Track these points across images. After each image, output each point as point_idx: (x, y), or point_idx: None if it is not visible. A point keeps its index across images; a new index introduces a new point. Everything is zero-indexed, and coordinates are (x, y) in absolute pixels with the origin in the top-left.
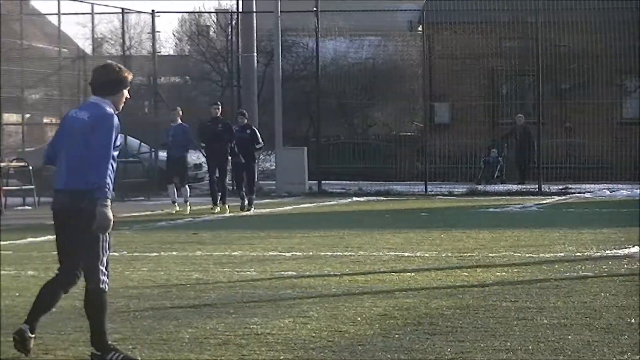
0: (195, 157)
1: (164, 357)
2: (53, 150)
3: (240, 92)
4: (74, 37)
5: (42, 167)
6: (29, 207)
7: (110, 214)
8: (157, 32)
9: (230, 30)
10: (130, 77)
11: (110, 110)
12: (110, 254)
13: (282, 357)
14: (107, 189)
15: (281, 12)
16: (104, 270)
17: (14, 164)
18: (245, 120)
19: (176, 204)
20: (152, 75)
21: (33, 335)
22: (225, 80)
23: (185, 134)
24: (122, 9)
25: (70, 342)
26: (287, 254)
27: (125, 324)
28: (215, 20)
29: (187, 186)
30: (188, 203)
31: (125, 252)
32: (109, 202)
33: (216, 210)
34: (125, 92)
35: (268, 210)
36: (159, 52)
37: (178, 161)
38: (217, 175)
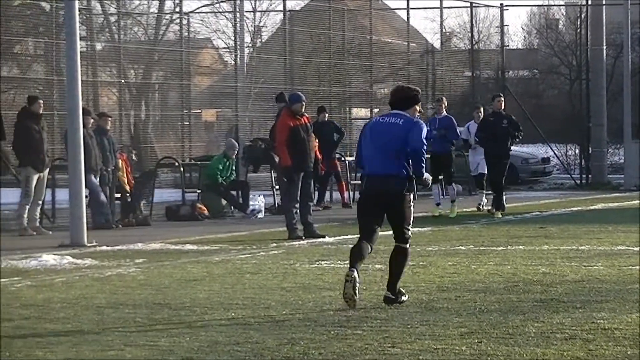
0: (543, 150)
1: (510, 351)
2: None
3: (588, 86)
4: (423, 32)
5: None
6: None
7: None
8: (506, 25)
9: (579, 22)
10: (420, 94)
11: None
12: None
13: (629, 352)
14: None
15: (631, 4)
16: (410, 228)
17: None
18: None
19: (440, 206)
20: (500, 69)
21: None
22: (573, 74)
23: (451, 128)
24: (471, 2)
25: (416, 336)
26: (635, 249)
27: (472, 318)
28: (564, 13)
29: (454, 185)
30: (455, 203)
31: (472, 246)
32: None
33: (495, 213)
34: (417, 106)
35: (616, 204)
36: (507, 45)
37: (443, 157)
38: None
